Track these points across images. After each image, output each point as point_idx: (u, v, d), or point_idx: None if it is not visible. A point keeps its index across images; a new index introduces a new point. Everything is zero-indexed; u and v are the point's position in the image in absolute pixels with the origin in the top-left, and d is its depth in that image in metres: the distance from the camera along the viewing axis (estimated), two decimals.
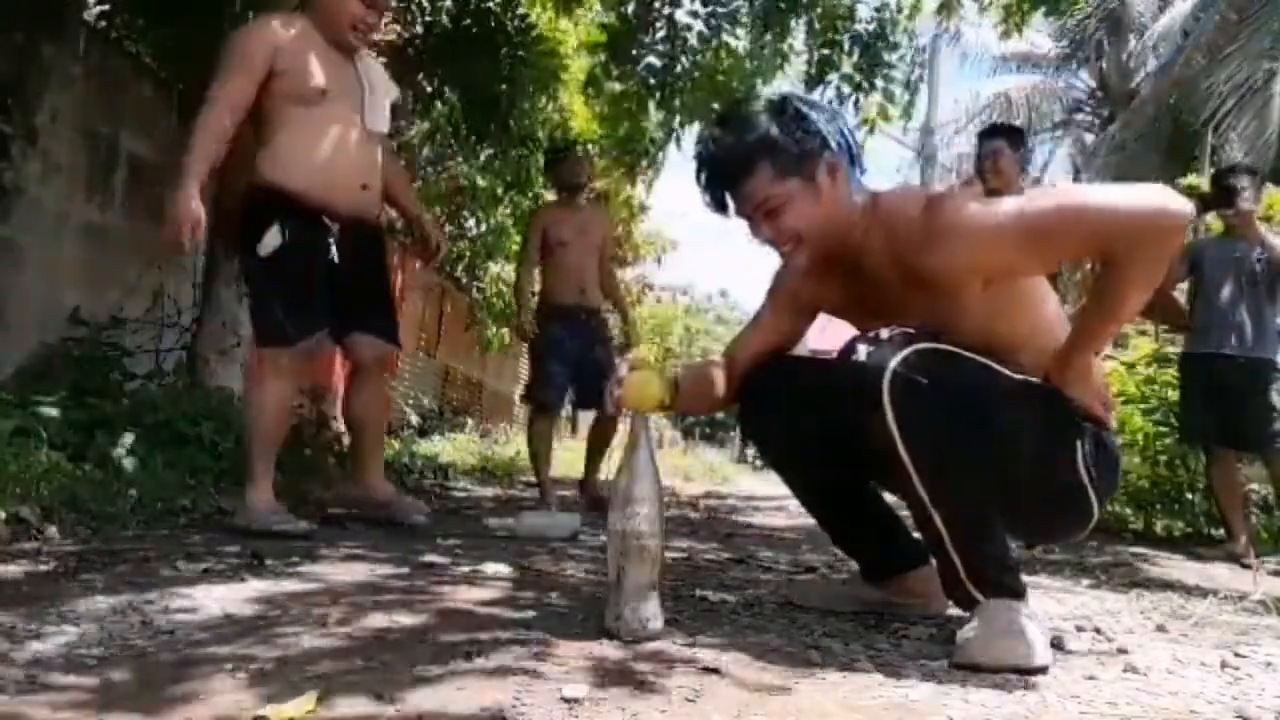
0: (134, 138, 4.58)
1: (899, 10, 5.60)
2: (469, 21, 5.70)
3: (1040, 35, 14.65)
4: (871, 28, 5.42)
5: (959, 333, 1.58)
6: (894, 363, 1.50)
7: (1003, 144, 3.83)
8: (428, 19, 5.94)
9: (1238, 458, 3.86)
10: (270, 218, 2.63)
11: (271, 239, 2.62)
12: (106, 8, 4.85)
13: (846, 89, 5.51)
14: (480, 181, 7.92)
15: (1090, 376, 1.63)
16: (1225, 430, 3.77)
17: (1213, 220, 4.56)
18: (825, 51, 5.38)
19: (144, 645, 1.38)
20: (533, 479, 4.66)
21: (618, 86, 5.55)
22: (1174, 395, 4.69)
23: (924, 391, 1.49)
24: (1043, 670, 1.46)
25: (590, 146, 9.70)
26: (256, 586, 1.88)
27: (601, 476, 4.33)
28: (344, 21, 2.76)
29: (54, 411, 3.21)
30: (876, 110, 5.57)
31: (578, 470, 4.66)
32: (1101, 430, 1.67)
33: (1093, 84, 15.54)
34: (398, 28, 6.44)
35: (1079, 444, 1.62)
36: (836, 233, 1.66)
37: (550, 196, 5.52)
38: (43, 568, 1.95)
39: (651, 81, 5.46)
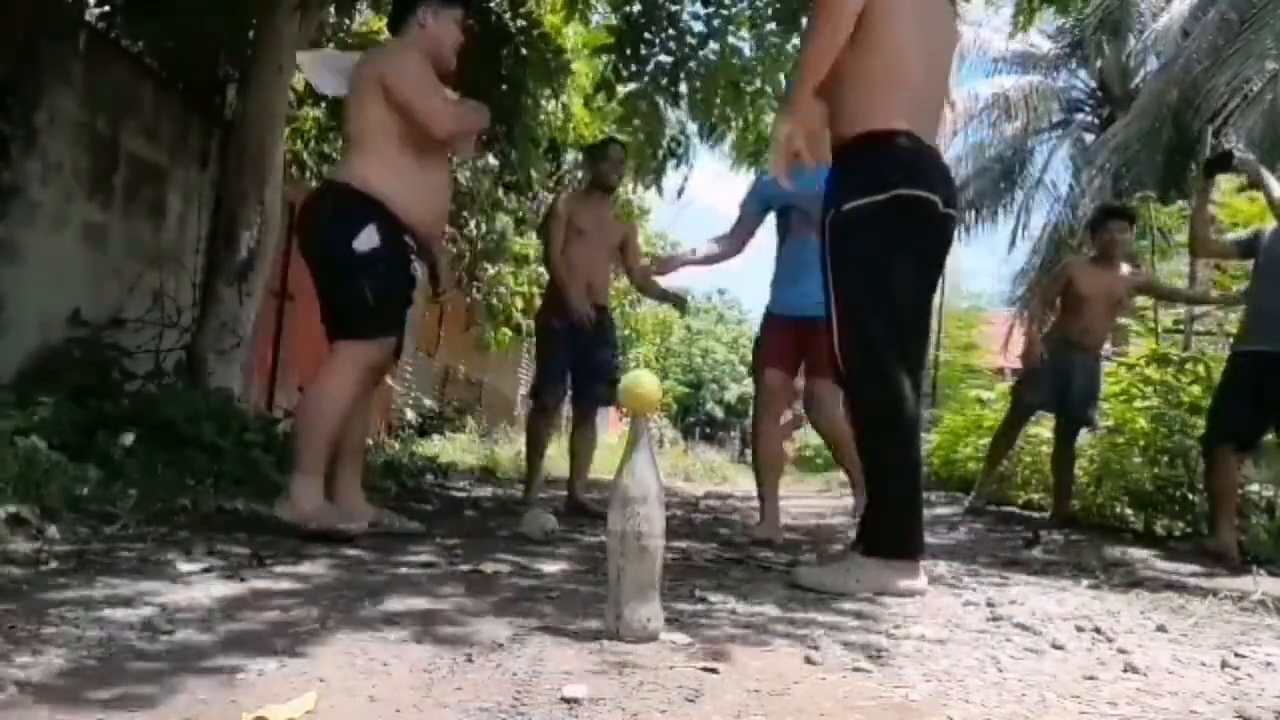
0: (134, 138, 4.57)
1: None
2: (470, 20, 5.69)
3: (1039, 35, 14.61)
4: None
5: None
6: None
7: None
8: None
9: (1239, 460, 3.83)
10: (368, 219, 2.73)
11: (369, 237, 2.71)
12: (107, 9, 4.85)
13: None
14: (481, 184, 7.92)
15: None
16: (1266, 430, 3.71)
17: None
18: None
19: (144, 645, 1.38)
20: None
21: (631, 86, 5.52)
22: (1175, 395, 4.70)
23: None
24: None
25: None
26: (256, 586, 1.88)
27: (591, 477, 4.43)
28: (451, 46, 2.95)
29: (54, 412, 3.21)
30: None
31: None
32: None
33: (1093, 84, 15.51)
34: None
35: None
36: None
37: (548, 196, 5.50)
38: (43, 568, 1.95)
39: (663, 81, 5.44)
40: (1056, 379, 4.73)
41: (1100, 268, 4.74)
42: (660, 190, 6.80)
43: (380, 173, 2.77)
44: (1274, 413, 3.64)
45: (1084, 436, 5.16)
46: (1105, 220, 4.85)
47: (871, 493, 2.39)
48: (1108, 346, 5.54)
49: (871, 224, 2.31)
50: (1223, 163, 3.96)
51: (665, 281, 4.54)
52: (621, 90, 5.63)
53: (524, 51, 5.77)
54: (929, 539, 3.64)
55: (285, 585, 1.92)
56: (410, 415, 8.65)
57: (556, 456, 6.12)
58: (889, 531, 2.29)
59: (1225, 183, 5.27)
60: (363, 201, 2.74)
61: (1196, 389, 4.57)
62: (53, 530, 2.36)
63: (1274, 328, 3.61)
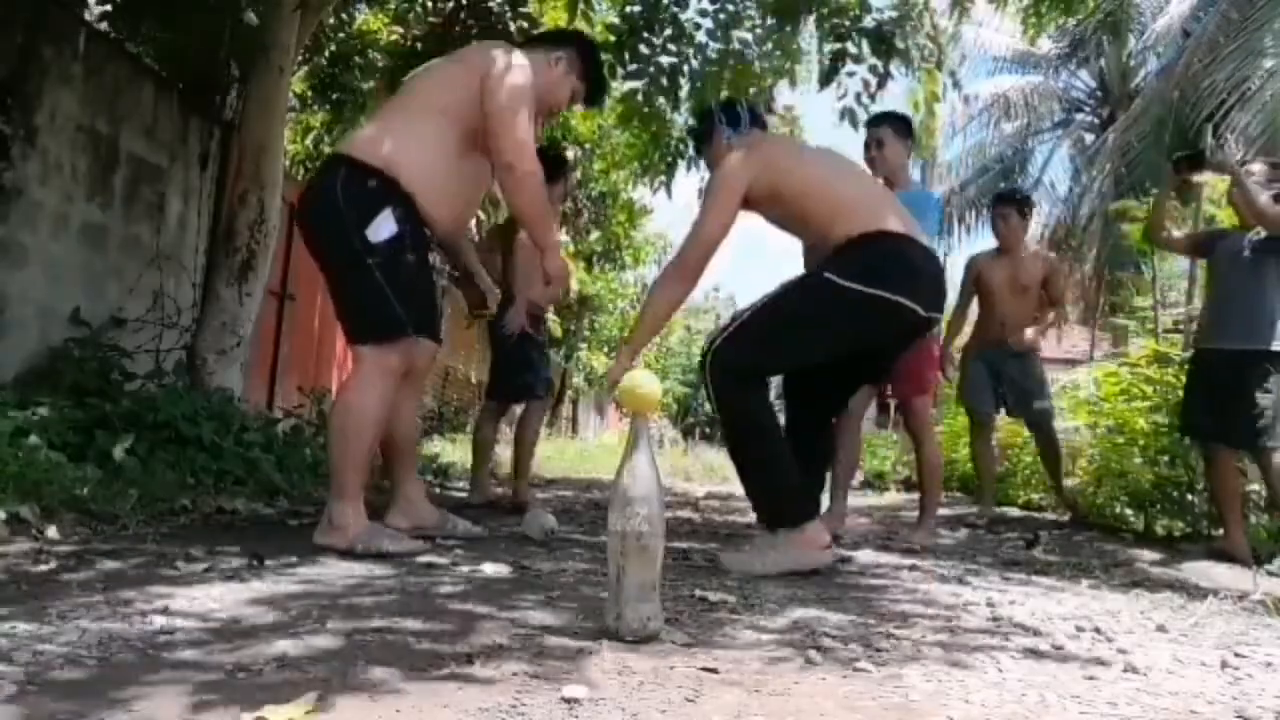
0: (134, 138, 4.57)
1: (912, 7, 5.50)
2: (470, 20, 5.70)
3: (1040, 35, 14.60)
4: (886, 16, 5.31)
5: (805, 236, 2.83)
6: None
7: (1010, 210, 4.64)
8: (430, 19, 5.95)
9: (1237, 458, 3.83)
10: (383, 203, 2.43)
11: (386, 225, 2.42)
12: (108, 9, 4.86)
13: (871, 78, 5.39)
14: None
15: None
16: (1219, 427, 3.73)
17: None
18: (839, 46, 5.32)
19: (144, 645, 1.38)
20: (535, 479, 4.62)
21: (631, 84, 5.50)
22: (1175, 395, 4.69)
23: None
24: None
25: (588, 148, 9.65)
26: (256, 587, 1.88)
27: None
28: (553, 102, 2.80)
29: (54, 412, 3.21)
30: (924, 94, 5.49)
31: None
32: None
33: (1093, 84, 15.50)
34: (399, 29, 6.44)
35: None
36: None
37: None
38: (43, 568, 1.95)
39: (664, 81, 5.41)
40: (990, 379, 4.74)
41: (1001, 257, 4.70)
42: (670, 193, 6.74)
43: (429, 166, 2.48)
44: (1231, 407, 3.66)
45: (1084, 436, 5.16)
46: (995, 206, 4.82)
47: (750, 481, 2.58)
48: (1107, 347, 5.51)
49: (842, 304, 2.44)
50: (1194, 162, 3.93)
51: None
52: (621, 90, 5.61)
53: None
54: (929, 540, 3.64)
55: (285, 585, 1.92)
56: None
57: (554, 457, 6.11)
58: (779, 506, 2.51)
59: (1222, 184, 5.26)
60: (377, 180, 2.43)
61: None
62: (53, 530, 2.37)
63: (1229, 326, 3.68)
